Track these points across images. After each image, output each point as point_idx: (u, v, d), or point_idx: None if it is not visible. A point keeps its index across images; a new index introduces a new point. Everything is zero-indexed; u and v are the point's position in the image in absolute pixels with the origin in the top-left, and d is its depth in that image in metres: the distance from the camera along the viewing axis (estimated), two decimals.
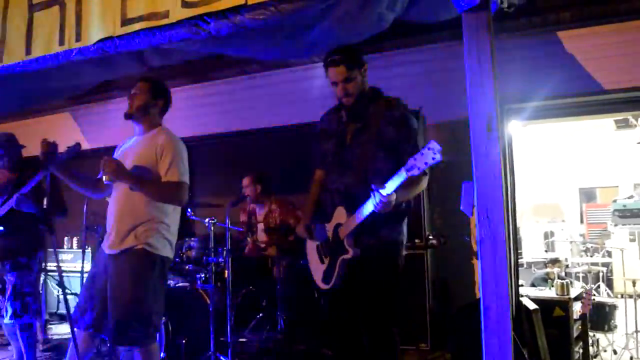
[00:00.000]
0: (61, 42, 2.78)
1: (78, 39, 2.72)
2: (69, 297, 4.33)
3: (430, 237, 4.29)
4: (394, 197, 2.34)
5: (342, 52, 2.64)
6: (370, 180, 2.42)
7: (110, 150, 6.99)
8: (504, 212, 1.88)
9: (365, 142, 2.62)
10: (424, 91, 4.64)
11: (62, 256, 6.03)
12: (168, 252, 2.84)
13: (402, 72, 4.93)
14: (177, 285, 4.36)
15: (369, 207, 2.41)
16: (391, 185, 2.32)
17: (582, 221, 9.07)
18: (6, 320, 3.59)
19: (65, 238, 6.30)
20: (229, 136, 5.96)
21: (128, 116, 2.98)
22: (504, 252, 1.80)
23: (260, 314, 4.39)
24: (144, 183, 2.74)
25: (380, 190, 2.31)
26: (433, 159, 2.26)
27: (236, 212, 4.99)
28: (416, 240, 4.22)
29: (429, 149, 2.27)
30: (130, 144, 3.02)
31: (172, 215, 2.88)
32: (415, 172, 2.27)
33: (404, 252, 2.71)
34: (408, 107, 2.81)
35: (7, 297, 3.59)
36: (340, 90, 2.65)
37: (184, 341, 3.96)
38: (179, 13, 2.46)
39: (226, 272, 3.87)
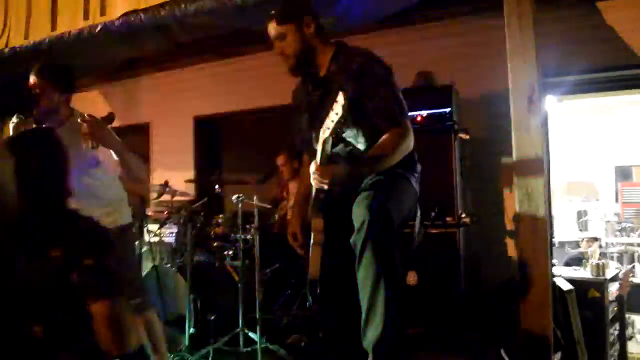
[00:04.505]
0: (86, 17, 2.76)
1: (103, 13, 2.69)
2: None
3: (463, 214, 4.18)
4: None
5: (278, 7, 2.32)
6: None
7: (143, 127, 6.99)
8: (545, 188, 1.79)
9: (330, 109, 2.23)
10: (457, 65, 4.49)
11: None
12: None
13: (434, 45, 4.79)
14: (205, 262, 4.36)
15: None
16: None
17: (617, 200, 8.82)
18: None
19: None
20: (258, 112, 5.91)
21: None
22: (544, 231, 1.71)
23: (289, 291, 4.36)
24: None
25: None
26: None
27: (266, 189, 4.96)
28: (448, 218, 4.11)
29: None
30: None
31: None
32: None
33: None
34: (378, 58, 2.30)
35: None
36: (276, 50, 2.33)
37: (212, 318, 3.96)
38: None
39: (254, 249, 3.84)
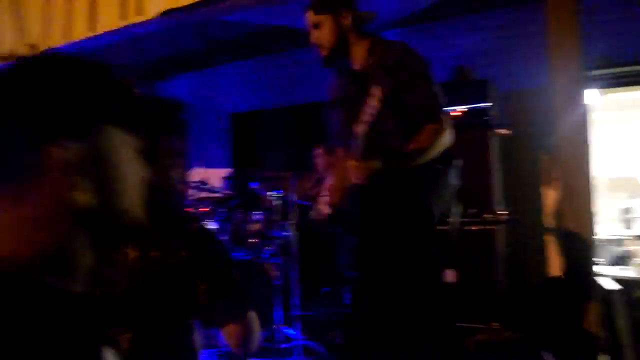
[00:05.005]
0: (122, 17, 2.79)
1: (139, 13, 2.72)
2: None
3: (501, 211, 4.10)
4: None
5: None
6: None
7: None
8: (587, 185, 1.73)
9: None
10: (494, 59, 4.40)
11: None
12: None
13: (470, 39, 4.70)
14: (242, 258, 4.39)
15: None
16: None
17: None
18: None
19: None
20: (294, 108, 5.91)
21: None
22: (589, 228, 1.66)
23: (326, 288, 4.36)
24: None
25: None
26: None
27: (303, 185, 4.96)
28: (486, 215, 4.04)
29: None
30: None
31: None
32: None
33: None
34: (413, 51, 2.28)
35: None
36: (312, 39, 2.32)
37: None
38: None
39: (292, 245, 3.84)
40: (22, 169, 0.68)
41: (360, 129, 2.10)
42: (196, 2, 2.51)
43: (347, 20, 2.28)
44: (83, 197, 0.69)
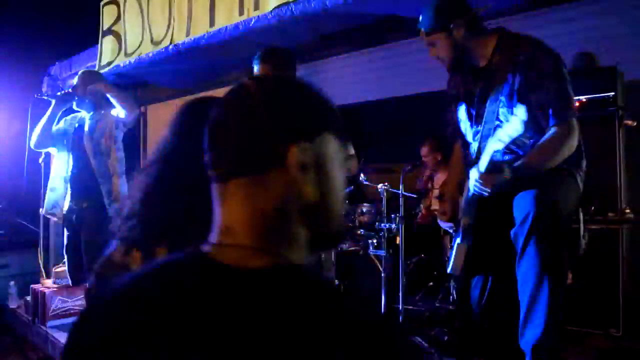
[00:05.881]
0: (241, 12, 2.90)
1: (256, 8, 2.81)
2: None
3: (627, 210, 3.81)
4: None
5: (423, 13, 2.24)
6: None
7: None
8: None
9: (493, 102, 2.17)
10: (623, 44, 4.09)
11: None
12: None
13: (595, 24, 4.40)
14: (349, 249, 4.43)
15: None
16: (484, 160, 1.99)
17: None
18: None
19: None
20: (402, 100, 5.85)
21: None
22: None
23: (431, 283, 4.30)
24: None
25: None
26: None
27: (411, 178, 4.92)
28: (610, 214, 3.77)
29: None
30: None
31: None
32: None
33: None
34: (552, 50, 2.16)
35: None
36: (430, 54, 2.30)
37: None
38: None
39: (398, 238, 3.82)
40: (268, 161, 0.80)
41: (493, 144, 2.03)
42: None
43: (461, 31, 2.21)
44: (311, 191, 0.81)
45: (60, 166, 3.81)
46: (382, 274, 3.88)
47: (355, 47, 5.94)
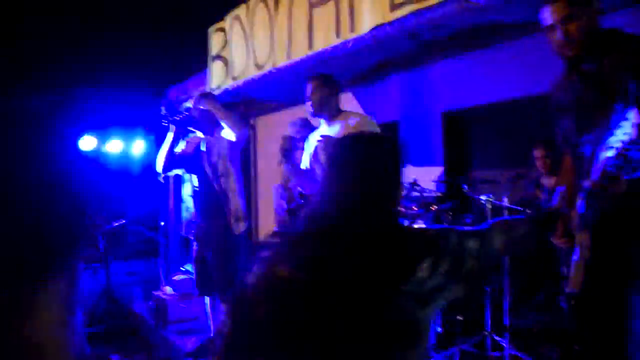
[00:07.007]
0: (337, 35, 2.99)
1: (352, 29, 2.89)
2: None
3: None
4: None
5: None
6: None
7: (391, 125, 7.24)
8: None
9: (605, 111, 1.93)
10: None
11: None
12: None
13: None
14: None
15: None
16: None
17: None
18: None
19: None
20: (510, 103, 5.65)
21: (314, 115, 3.09)
22: None
23: (541, 294, 4.13)
24: None
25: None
26: None
27: (517, 187, 4.76)
28: None
29: None
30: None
31: None
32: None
33: None
34: None
35: None
36: (559, 35, 2.04)
37: (460, 318, 3.96)
38: None
39: None
40: None
41: (606, 152, 1.89)
42: (404, 16, 2.58)
43: (595, 18, 2.06)
44: None
45: (188, 186, 4.13)
46: (487, 287, 3.80)
47: (460, 51, 5.82)
